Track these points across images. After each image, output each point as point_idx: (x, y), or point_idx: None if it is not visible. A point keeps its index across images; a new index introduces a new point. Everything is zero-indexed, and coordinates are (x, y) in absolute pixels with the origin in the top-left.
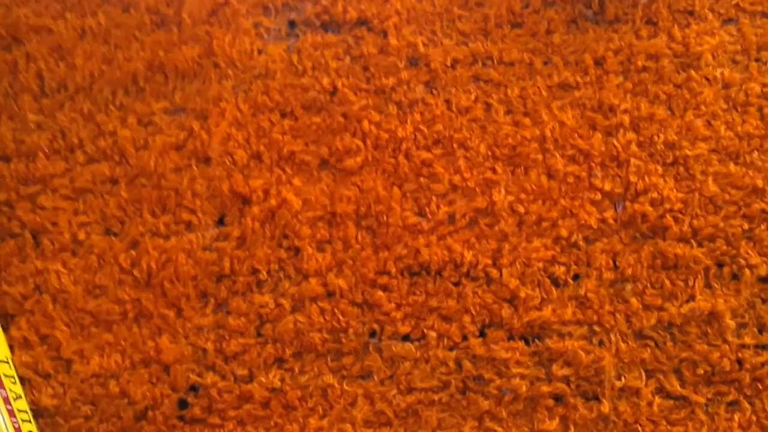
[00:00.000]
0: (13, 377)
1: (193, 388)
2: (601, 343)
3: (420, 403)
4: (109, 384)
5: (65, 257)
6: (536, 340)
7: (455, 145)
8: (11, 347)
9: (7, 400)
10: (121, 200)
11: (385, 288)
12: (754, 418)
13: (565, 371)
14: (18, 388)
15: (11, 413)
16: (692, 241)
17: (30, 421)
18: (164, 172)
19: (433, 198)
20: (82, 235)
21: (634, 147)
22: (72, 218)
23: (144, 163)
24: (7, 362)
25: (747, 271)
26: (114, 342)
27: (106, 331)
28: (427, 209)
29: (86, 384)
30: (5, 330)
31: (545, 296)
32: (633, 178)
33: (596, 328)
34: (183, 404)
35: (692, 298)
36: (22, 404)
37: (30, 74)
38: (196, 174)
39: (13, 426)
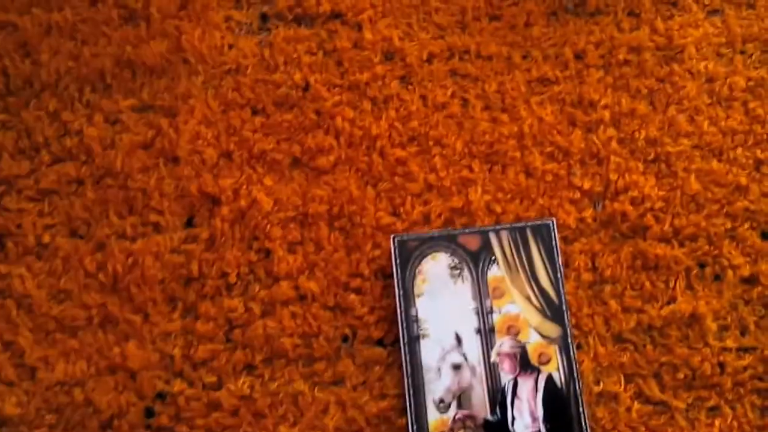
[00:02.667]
0: None
1: (160, 396)
2: (579, 346)
3: (393, 410)
4: (74, 392)
5: (29, 261)
6: None
7: (431, 143)
8: None
9: None
10: (86, 201)
11: (358, 291)
12: (735, 423)
13: None
14: None
15: None
16: (673, 240)
17: None
18: (131, 172)
19: (408, 197)
20: (47, 238)
21: (614, 144)
22: (36, 220)
23: (110, 162)
24: None
25: (729, 272)
26: (79, 348)
27: (71, 337)
28: (401, 209)
29: (51, 392)
30: None
31: None
32: (613, 176)
33: (575, 331)
34: (149, 413)
35: (673, 299)
36: None
37: None
38: (164, 174)
39: None
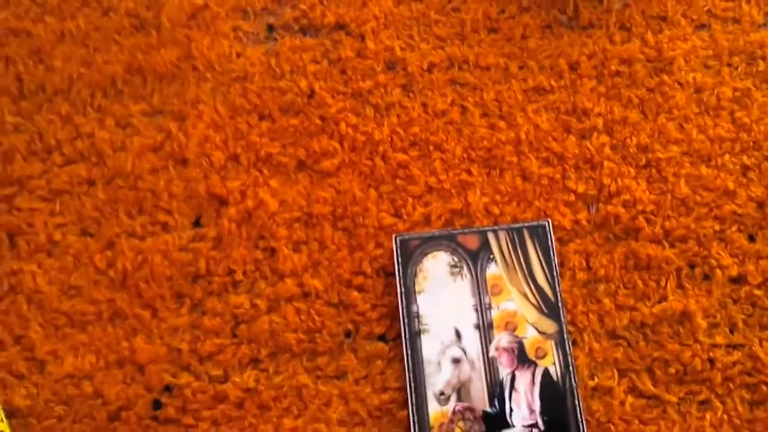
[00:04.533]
0: None
1: (167, 389)
2: (574, 342)
3: (394, 402)
4: (83, 384)
5: (41, 258)
6: None
7: (431, 148)
8: None
9: None
10: (97, 201)
11: (360, 288)
12: (725, 417)
13: None
14: None
15: None
16: (664, 242)
17: (3, 421)
18: (141, 174)
19: (409, 199)
20: (57, 236)
21: (607, 150)
22: (48, 219)
23: (121, 164)
24: None
25: (718, 272)
26: (88, 342)
27: (81, 332)
28: (403, 210)
29: (60, 384)
30: None
31: None
32: (606, 181)
33: (570, 327)
34: (157, 404)
35: (664, 298)
36: None
37: (9, 76)
38: (173, 175)
39: None
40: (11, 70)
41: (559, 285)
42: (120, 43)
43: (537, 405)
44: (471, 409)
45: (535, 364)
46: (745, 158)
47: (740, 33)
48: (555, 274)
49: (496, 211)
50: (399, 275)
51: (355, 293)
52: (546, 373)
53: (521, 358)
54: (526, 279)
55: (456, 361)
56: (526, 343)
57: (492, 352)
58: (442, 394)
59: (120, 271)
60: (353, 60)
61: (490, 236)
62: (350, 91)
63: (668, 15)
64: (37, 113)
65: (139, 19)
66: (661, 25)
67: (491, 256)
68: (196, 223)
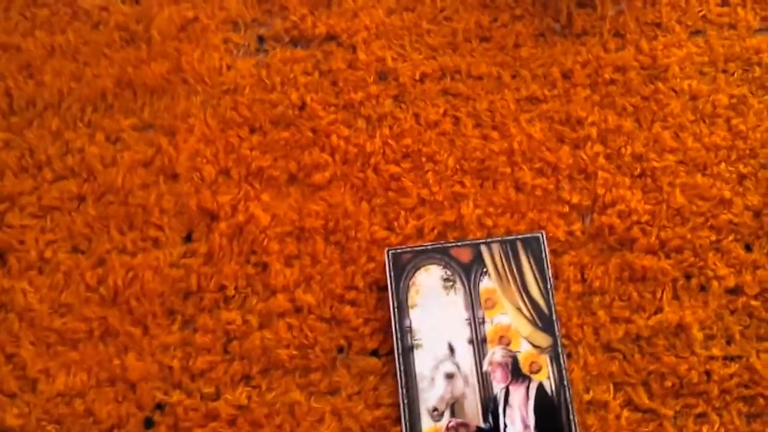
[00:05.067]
0: None
1: (159, 406)
2: (569, 355)
3: (387, 419)
4: (75, 403)
5: (31, 275)
6: None
7: (424, 159)
8: None
9: None
10: (88, 218)
11: (353, 303)
12: (722, 430)
13: None
14: None
15: None
16: (660, 252)
17: None
18: (132, 189)
19: (402, 212)
20: (48, 253)
21: (601, 159)
22: (39, 236)
23: (111, 179)
24: None
25: (714, 283)
26: (80, 360)
27: (72, 350)
28: (395, 223)
29: (51, 403)
30: None
31: None
32: (600, 191)
33: (564, 341)
34: (149, 423)
35: (660, 310)
36: None
37: None
38: (164, 190)
39: None
40: (1, 86)
41: (553, 298)
42: (110, 57)
43: (531, 420)
44: (465, 425)
45: (530, 379)
46: (741, 166)
47: (736, 39)
48: (549, 286)
49: (490, 223)
50: (392, 289)
51: (348, 308)
52: (540, 388)
53: (515, 372)
54: (519, 292)
55: (449, 376)
56: (520, 358)
57: (486, 367)
58: (435, 410)
59: (111, 288)
60: (344, 71)
61: (483, 249)
62: (342, 102)
63: (663, 21)
64: (27, 129)
65: (129, 33)
66: (655, 31)
67: (484, 269)
68: (187, 239)
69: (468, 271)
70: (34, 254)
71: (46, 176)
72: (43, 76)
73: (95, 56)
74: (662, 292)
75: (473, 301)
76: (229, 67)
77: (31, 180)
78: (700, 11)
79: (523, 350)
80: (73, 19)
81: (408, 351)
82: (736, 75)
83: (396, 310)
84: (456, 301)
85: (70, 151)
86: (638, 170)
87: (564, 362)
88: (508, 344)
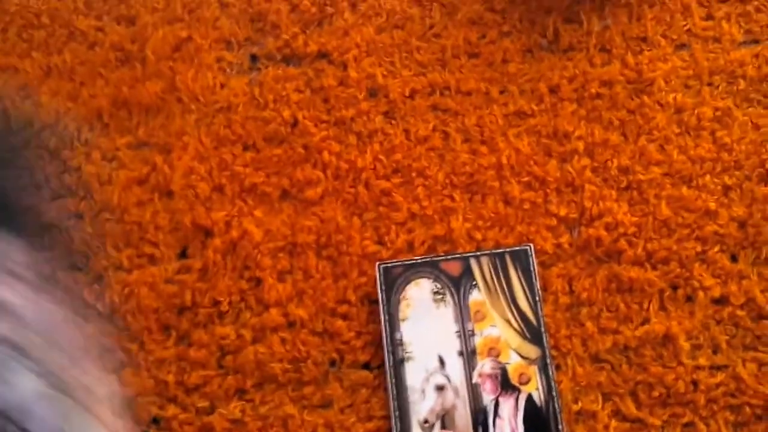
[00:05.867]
0: None
1: (155, 421)
2: (557, 366)
3: (379, 431)
4: None
5: None
6: None
7: (414, 174)
8: None
9: None
10: (85, 235)
11: (345, 317)
12: None
13: None
14: None
15: None
16: (646, 264)
17: None
18: (127, 207)
19: (393, 226)
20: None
21: (588, 172)
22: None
23: (108, 197)
24: None
25: (701, 293)
26: None
27: None
28: (386, 237)
29: None
30: None
31: None
32: (588, 204)
33: (553, 352)
34: None
35: (647, 320)
36: None
37: None
38: (159, 208)
39: None
40: None
41: (541, 310)
42: (105, 77)
43: (521, 431)
44: None
45: (519, 390)
46: (726, 178)
47: (720, 52)
48: (537, 298)
49: (479, 236)
50: (383, 303)
51: (340, 322)
52: (530, 399)
53: (504, 384)
54: (508, 304)
55: (440, 388)
56: (510, 369)
57: (475, 379)
58: (426, 422)
59: (107, 305)
60: (336, 88)
61: (473, 262)
62: (333, 119)
63: (648, 35)
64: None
65: (124, 53)
66: (641, 45)
67: (474, 282)
68: (182, 255)
69: (457, 285)
70: None
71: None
72: (40, 96)
73: (91, 76)
74: (649, 303)
75: (463, 314)
76: (222, 86)
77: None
78: (685, 25)
79: (513, 362)
80: (69, 39)
81: (399, 364)
82: (720, 88)
83: (387, 323)
84: (446, 313)
85: (68, 169)
86: (624, 183)
87: (553, 373)
88: (497, 356)
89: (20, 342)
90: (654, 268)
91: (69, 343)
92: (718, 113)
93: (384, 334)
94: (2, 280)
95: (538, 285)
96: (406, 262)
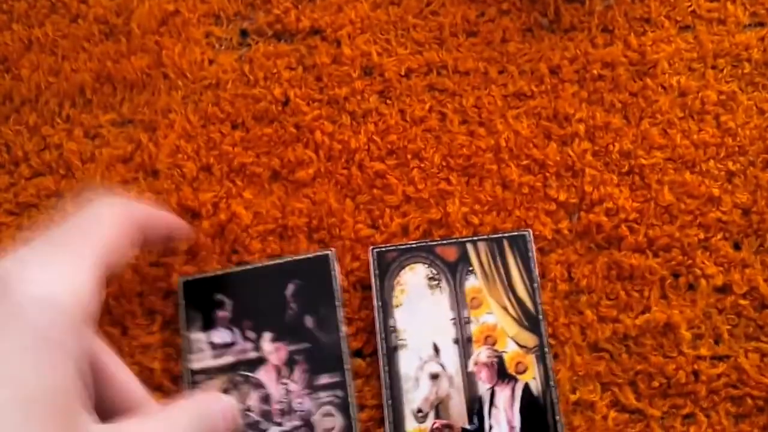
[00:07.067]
0: None
1: None
2: (555, 355)
3: (371, 420)
4: None
5: None
6: None
7: (409, 156)
8: None
9: None
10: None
11: None
12: (710, 431)
13: None
14: None
15: None
16: (648, 251)
17: None
18: (111, 186)
19: (387, 210)
20: None
21: (589, 156)
22: (15, 234)
23: (90, 176)
24: None
25: (703, 281)
26: None
27: None
28: (380, 221)
29: None
30: None
31: None
32: (588, 188)
33: (551, 340)
34: None
35: (648, 309)
36: None
37: None
38: (144, 187)
39: None
40: None
41: (539, 297)
42: (89, 51)
43: (517, 421)
44: (449, 426)
45: (516, 379)
46: (730, 164)
47: (725, 34)
48: (536, 286)
49: (476, 221)
50: (376, 289)
51: None
52: (526, 389)
53: (501, 373)
54: (506, 291)
55: (434, 377)
56: (506, 358)
57: (471, 368)
58: (419, 411)
59: None
60: (329, 66)
61: (469, 247)
62: (326, 98)
63: (651, 16)
64: (3, 124)
65: (109, 26)
66: (644, 26)
67: (470, 268)
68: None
69: (453, 270)
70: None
71: (23, 173)
72: (21, 70)
73: (74, 50)
74: (650, 291)
75: (459, 301)
76: (210, 62)
77: (7, 176)
78: (690, 6)
79: (509, 350)
80: (51, 12)
81: (392, 351)
82: (725, 71)
83: (380, 309)
84: (441, 300)
85: (48, 147)
86: (626, 167)
87: (550, 362)
88: (493, 344)
89: None
90: (655, 255)
91: None
92: (723, 97)
93: (377, 321)
94: None
95: (536, 271)
96: (401, 247)
